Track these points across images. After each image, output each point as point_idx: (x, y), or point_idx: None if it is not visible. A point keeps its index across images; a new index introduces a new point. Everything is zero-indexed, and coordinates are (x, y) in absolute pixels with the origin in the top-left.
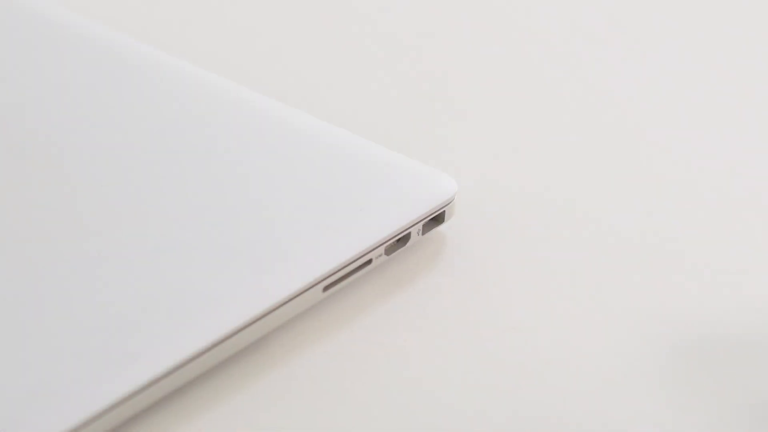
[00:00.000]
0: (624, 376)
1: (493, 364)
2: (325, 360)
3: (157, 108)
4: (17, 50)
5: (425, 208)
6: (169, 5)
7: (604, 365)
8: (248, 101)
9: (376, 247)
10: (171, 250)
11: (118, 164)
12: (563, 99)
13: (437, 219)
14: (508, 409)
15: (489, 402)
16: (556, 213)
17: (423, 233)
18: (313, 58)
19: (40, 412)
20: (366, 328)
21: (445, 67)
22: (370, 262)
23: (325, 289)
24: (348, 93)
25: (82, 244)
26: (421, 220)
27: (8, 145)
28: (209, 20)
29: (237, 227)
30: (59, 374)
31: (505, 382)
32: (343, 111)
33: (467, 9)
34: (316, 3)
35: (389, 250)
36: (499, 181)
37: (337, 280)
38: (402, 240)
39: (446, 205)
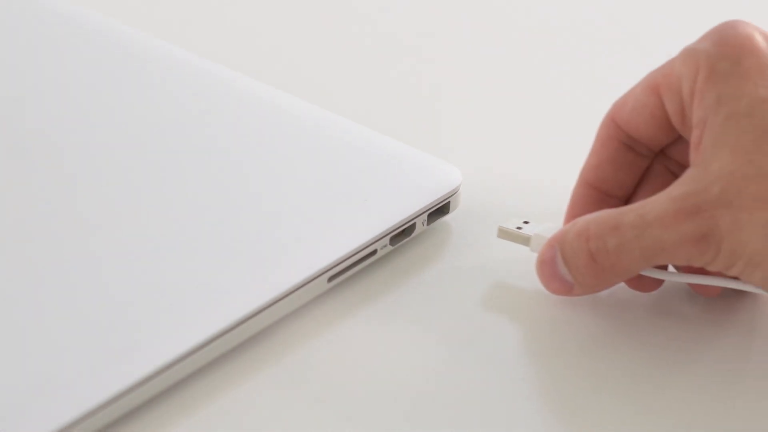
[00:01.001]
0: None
1: (500, 355)
2: (330, 350)
3: (163, 101)
4: (23, 44)
5: (430, 198)
6: (170, 4)
7: (605, 354)
8: (253, 92)
9: (381, 238)
10: (177, 242)
11: (126, 157)
12: (564, 96)
13: (442, 210)
14: (515, 398)
15: (494, 392)
16: (560, 207)
17: (428, 224)
18: (316, 57)
19: (50, 401)
20: (370, 318)
21: (446, 66)
22: (374, 252)
23: (330, 279)
24: (349, 91)
25: (94, 237)
26: (426, 211)
27: (13, 140)
28: (212, 20)
29: (242, 218)
30: (67, 366)
31: (511, 373)
32: (344, 110)
33: (467, 9)
34: (317, 3)
35: (394, 241)
36: (503, 176)
37: (342, 271)
38: (407, 230)
39: (451, 196)
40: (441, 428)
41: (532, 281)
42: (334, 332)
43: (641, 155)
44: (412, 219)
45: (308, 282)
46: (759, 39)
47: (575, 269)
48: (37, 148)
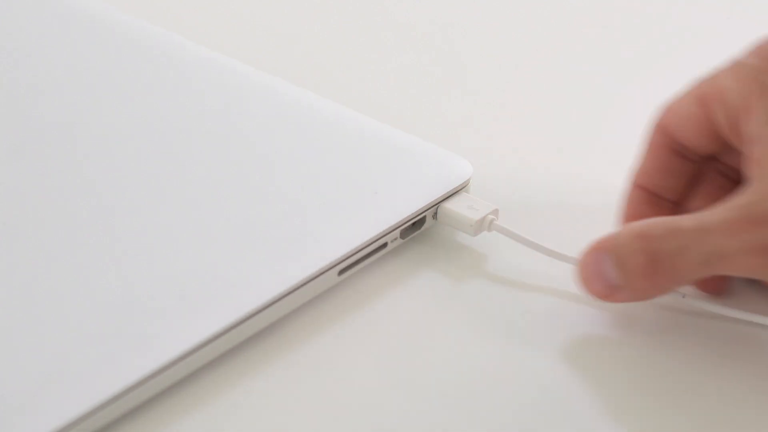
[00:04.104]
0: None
1: (512, 347)
2: (341, 343)
3: (177, 94)
4: (36, 38)
5: (441, 191)
6: None
7: (625, 356)
8: (265, 85)
9: (392, 231)
10: (189, 234)
11: (141, 147)
12: (579, 88)
13: None
14: (527, 392)
15: (506, 384)
16: (572, 199)
17: (438, 217)
18: (325, 49)
19: (59, 394)
20: (381, 311)
21: (455, 57)
22: (385, 245)
23: (341, 272)
24: (358, 83)
25: (107, 228)
26: (436, 204)
27: (30, 130)
28: (224, 13)
29: (253, 211)
30: (78, 359)
31: (522, 366)
32: (353, 102)
33: (478, 1)
34: None
35: (404, 234)
36: (515, 168)
37: (353, 264)
38: (417, 223)
39: (462, 188)
40: (461, 422)
41: (542, 274)
42: (345, 325)
43: (691, 160)
44: (423, 212)
45: (319, 275)
46: None
47: (630, 271)
48: (54, 141)
